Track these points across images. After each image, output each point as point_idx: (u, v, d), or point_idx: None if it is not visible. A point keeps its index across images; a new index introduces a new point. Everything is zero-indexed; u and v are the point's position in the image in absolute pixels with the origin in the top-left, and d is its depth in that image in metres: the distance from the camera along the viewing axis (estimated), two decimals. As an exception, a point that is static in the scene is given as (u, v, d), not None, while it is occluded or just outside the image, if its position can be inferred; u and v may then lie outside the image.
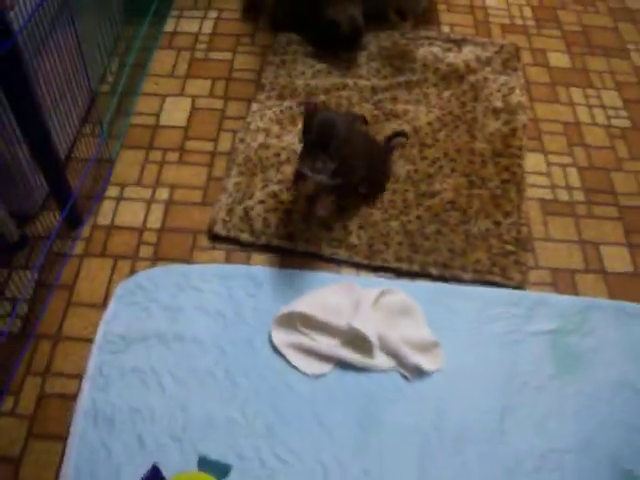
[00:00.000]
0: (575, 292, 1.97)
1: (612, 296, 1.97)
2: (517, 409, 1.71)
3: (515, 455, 1.63)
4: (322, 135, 1.65)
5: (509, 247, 1.98)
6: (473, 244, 1.98)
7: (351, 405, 1.68)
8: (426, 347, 1.78)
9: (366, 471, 1.59)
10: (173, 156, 2.20)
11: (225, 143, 2.22)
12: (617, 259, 2.06)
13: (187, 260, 1.94)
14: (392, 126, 2.25)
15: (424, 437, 1.64)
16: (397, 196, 2.06)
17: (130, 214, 2.03)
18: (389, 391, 1.72)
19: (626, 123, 2.46)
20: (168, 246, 1.96)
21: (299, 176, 1.86)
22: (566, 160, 2.30)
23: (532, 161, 2.27)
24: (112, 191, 2.09)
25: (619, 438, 1.68)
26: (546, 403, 1.73)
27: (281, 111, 2.26)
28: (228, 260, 1.95)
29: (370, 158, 1.97)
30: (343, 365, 1.75)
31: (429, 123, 2.26)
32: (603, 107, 2.50)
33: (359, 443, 1.63)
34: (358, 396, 1.70)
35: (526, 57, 2.64)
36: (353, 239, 1.97)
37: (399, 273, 1.93)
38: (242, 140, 2.19)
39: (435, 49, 2.50)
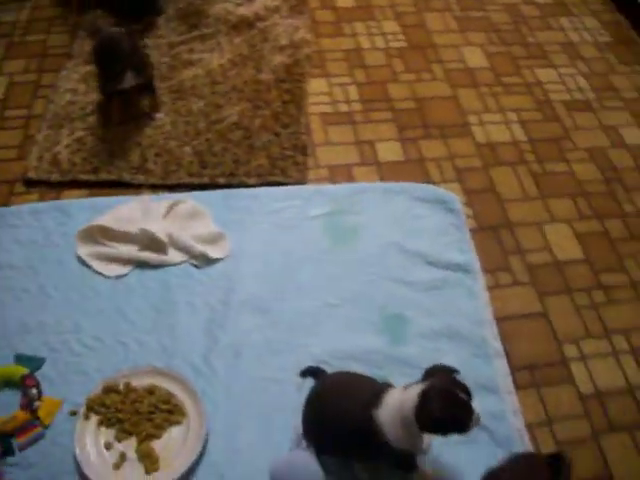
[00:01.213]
0: (351, 182, 2.28)
1: (383, 181, 2.29)
2: (297, 278, 2.00)
3: (295, 313, 1.92)
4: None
5: (288, 152, 2.29)
6: (256, 154, 2.28)
7: (148, 295, 1.94)
8: (213, 239, 2.05)
9: (163, 345, 1.83)
10: (-8, 124, 2.45)
11: (39, 107, 2.48)
12: (390, 152, 2.40)
13: (5, 204, 2.17)
14: (189, 73, 2.54)
15: (213, 311, 1.91)
16: (190, 127, 2.35)
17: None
18: (181, 278, 1.98)
19: (403, 44, 2.83)
20: (-13, 196, 2.20)
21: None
22: (347, 80, 2.64)
23: (315, 84, 2.61)
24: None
25: (387, 290, 1.99)
26: (323, 271, 2.03)
27: (86, 72, 2.53)
28: (42, 199, 2.19)
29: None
30: (142, 265, 2.00)
31: (221, 65, 2.56)
32: (383, 34, 2.87)
33: (155, 323, 1.88)
34: (155, 287, 1.96)
35: (314, 2, 2.99)
36: (150, 165, 2.24)
37: (191, 187, 2.20)
38: (52, 101, 2.45)
39: (228, 5, 2.82)
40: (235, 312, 1.91)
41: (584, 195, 2.33)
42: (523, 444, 1.70)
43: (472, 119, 2.54)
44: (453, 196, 2.23)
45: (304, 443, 1.59)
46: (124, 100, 2.35)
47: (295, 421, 1.61)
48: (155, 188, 2.21)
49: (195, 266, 2.01)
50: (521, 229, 2.20)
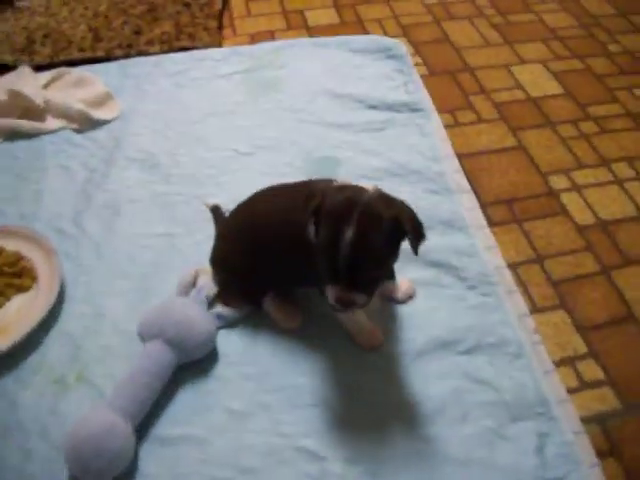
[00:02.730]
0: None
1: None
2: (198, 131, 1.59)
3: (194, 165, 1.50)
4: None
5: (199, 20, 1.92)
6: (161, 24, 1.91)
7: (14, 165, 1.52)
8: (100, 101, 1.65)
9: (22, 213, 1.41)
10: None
11: None
12: (322, 17, 2.03)
13: None
14: None
15: (91, 171, 1.49)
16: (88, 11, 2.00)
17: None
18: (58, 145, 1.57)
19: None
20: None
21: None
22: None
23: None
24: None
25: (315, 134, 1.57)
26: (233, 122, 1.61)
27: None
28: None
29: None
30: (12, 136, 1.59)
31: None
32: None
33: (17, 191, 1.46)
34: (23, 157, 1.55)
35: None
36: (37, 47, 1.87)
37: (84, 62, 1.82)
38: None
39: None
40: (118, 169, 1.50)
41: (558, 39, 1.93)
42: (504, 284, 1.23)
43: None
44: (398, 43, 1.83)
45: (197, 292, 1.17)
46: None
47: (182, 274, 1.19)
48: (42, 69, 1.82)
49: (77, 131, 1.60)
50: (484, 71, 1.80)
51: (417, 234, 0.92)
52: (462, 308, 1.20)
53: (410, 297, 1.20)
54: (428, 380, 1.09)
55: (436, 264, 1.27)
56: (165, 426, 1.04)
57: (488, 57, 1.84)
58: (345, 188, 0.93)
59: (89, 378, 1.10)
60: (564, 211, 1.41)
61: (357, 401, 1.07)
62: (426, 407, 1.06)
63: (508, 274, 1.25)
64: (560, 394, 1.08)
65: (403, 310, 1.19)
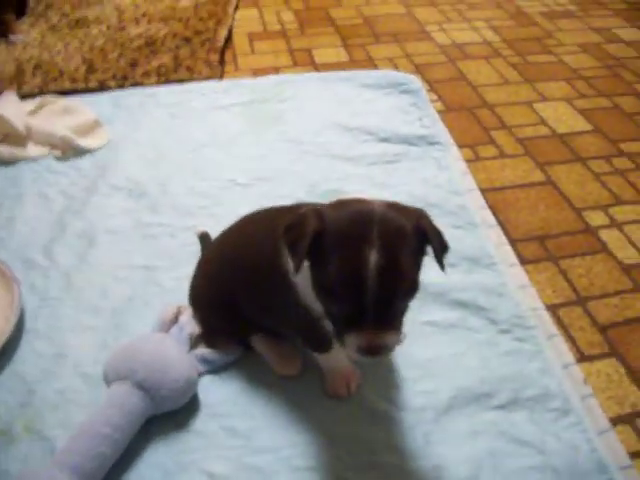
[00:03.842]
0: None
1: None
2: (193, 162, 1.45)
3: (185, 195, 1.34)
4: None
5: (199, 54, 1.82)
6: (159, 57, 1.81)
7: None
8: (87, 129, 1.52)
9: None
10: None
11: None
12: (331, 56, 1.92)
13: None
14: (95, 9, 2.16)
15: (70, 199, 1.34)
16: (85, 45, 1.91)
17: None
18: (38, 173, 1.43)
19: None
20: None
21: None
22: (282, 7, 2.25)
23: (245, 12, 2.20)
24: None
25: (322, 167, 1.42)
26: (231, 153, 1.47)
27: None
28: None
29: None
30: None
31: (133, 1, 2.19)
32: None
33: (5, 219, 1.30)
34: (3, 185, 1.40)
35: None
36: (27, 78, 1.76)
37: (75, 92, 1.70)
38: None
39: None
40: (100, 197, 1.34)
41: (582, 79, 1.81)
42: (542, 327, 1.04)
43: (431, 28, 2.10)
44: (412, 77, 1.72)
45: (178, 330, 0.99)
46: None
47: (162, 309, 1.02)
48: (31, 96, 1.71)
49: (60, 159, 1.46)
50: (504, 108, 1.67)
51: (443, 243, 0.73)
52: (494, 355, 1.00)
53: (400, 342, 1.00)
54: (457, 440, 0.88)
55: (462, 304, 1.08)
56: (128, 493, 0.82)
57: (508, 94, 1.72)
58: (344, 203, 0.73)
59: (40, 429, 0.90)
60: (605, 249, 1.23)
61: (367, 463, 0.85)
62: (455, 474, 0.84)
63: (547, 316, 1.06)
64: (621, 459, 0.87)
65: (420, 355, 0.99)
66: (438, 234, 0.73)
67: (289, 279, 0.76)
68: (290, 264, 0.72)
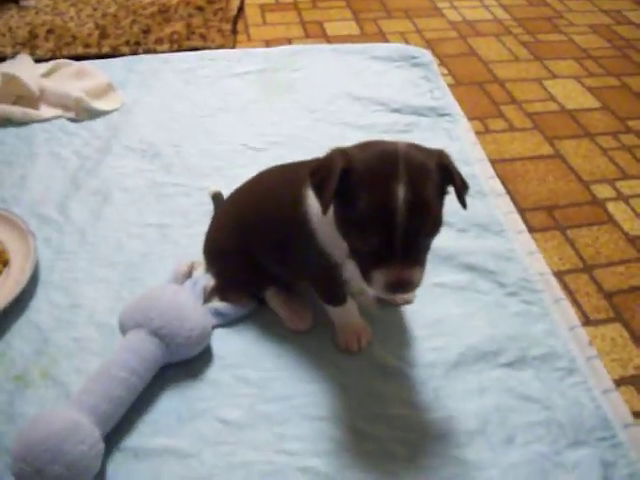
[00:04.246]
0: (292, 48, 1.79)
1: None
2: (206, 125, 1.45)
3: (199, 157, 1.34)
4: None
5: (212, 23, 1.82)
6: (172, 24, 1.81)
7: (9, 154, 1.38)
8: (100, 92, 1.52)
9: (2, 197, 1.25)
10: None
11: None
12: (342, 28, 1.93)
13: None
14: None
15: (84, 159, 1.34)
16: (97, 11, 1.91)
17: None
18: (51, 132, 1.43)
19: None
20: None
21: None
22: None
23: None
24: None
25: (333, 134, 1.42)
26: (244, 118, 1.48)
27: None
28: None
29: None
30: (3, 123, 1.46)
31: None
32: None
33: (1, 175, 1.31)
34: (11, 143, 1.40)
35: None
36: (39, 41, 1.77)
37: (88, 58, 1.70)
38: None
39: None
40: (114, 157, 1.35)
41: (591, 58, 1.82)
42: (549, 291, 1.06)
43: (442, 4, 2.10)
44: (423, 50, 1.72)
45: (192, 284, 1.00)
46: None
47: (177, 263, 1.04)
48: (45, 61, 1.71)
49: (73, 121, 1.46)
50: (514, 84, 1.68)
51: (464, 181, 0.75)
52: (502, 316, 1.02)
53: (408, 302, 1.02)
54: (465, 395, 0.90)
55: (471, 268, 1.10)
56: (143, 435, 0.84)
57: (518, 71, 1.73)
58: (367, 144, 0.74)
59: (56, 375, 0.92)
60: (611, 220, 1.25)
61: (377, 414, 0.87)
62: (463, 426, 0.86)
63: (554, 281, 1.08)
64: (625, 417, 0.89)
65: (430, 315, 1.01)
66: (459, 172, 0.74)
67: (309, 227, 0.78)
68: (313, 209, 0.73)
